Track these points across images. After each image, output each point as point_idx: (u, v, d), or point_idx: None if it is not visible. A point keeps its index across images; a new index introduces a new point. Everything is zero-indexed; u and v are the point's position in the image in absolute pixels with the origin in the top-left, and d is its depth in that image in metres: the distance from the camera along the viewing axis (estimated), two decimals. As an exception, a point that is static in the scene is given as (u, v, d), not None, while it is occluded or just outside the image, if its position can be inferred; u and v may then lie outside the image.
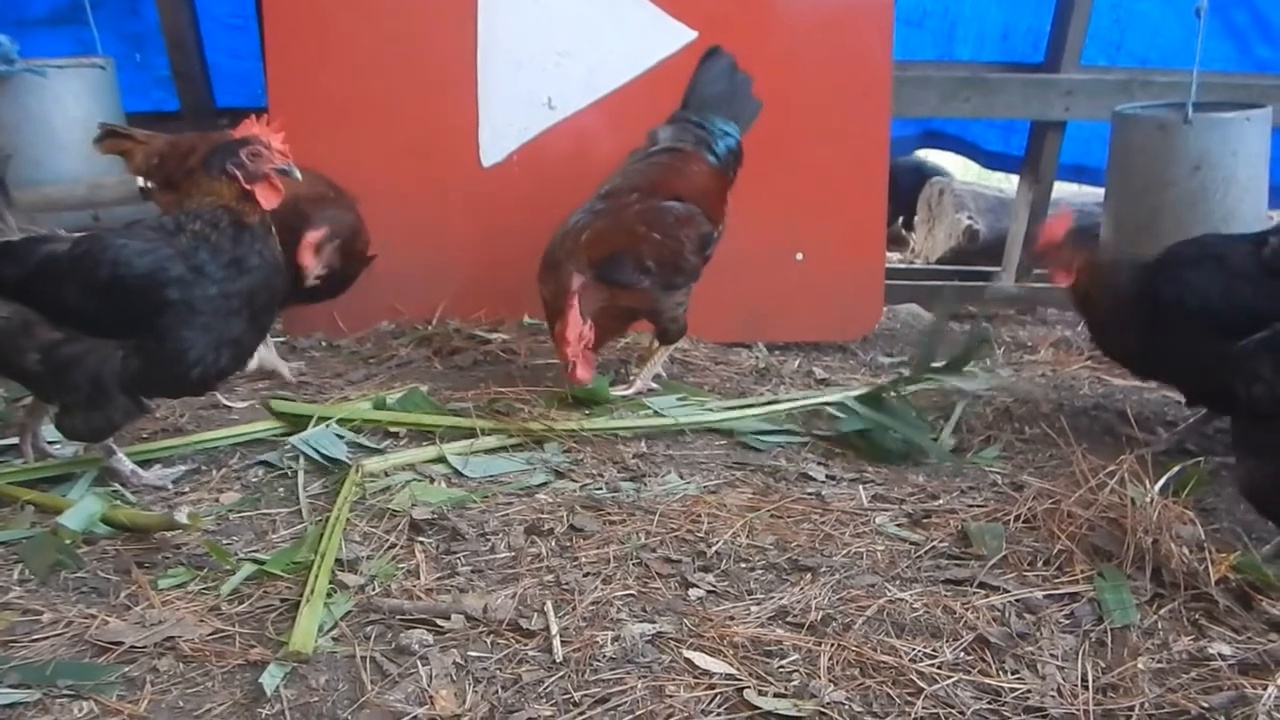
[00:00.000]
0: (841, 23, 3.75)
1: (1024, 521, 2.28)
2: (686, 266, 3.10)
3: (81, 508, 2.29)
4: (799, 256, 3.83)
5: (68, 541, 2.18)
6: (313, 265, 3.03)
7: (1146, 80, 4.57)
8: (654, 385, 3.20)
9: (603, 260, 2.94)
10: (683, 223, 3.07)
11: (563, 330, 2.87)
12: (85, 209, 3.70)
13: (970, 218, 5.89)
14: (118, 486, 2.48)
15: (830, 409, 2.88)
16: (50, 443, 2.64)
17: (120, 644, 1.86)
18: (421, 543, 2.23)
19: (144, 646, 1.86)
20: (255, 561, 2.14)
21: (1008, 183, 6.10)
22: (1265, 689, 1.72)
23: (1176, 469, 2.28)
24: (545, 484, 2.54)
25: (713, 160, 3.19)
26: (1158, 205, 3.50)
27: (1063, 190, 5.55)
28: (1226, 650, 1.85)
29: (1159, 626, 1.94)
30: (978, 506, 2.41)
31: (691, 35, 3.68)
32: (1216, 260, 2.75)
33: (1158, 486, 2.17)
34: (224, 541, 2.24)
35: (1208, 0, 3.50)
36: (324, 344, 3.64)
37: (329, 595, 1.99)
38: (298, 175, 2.47)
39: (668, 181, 3.09)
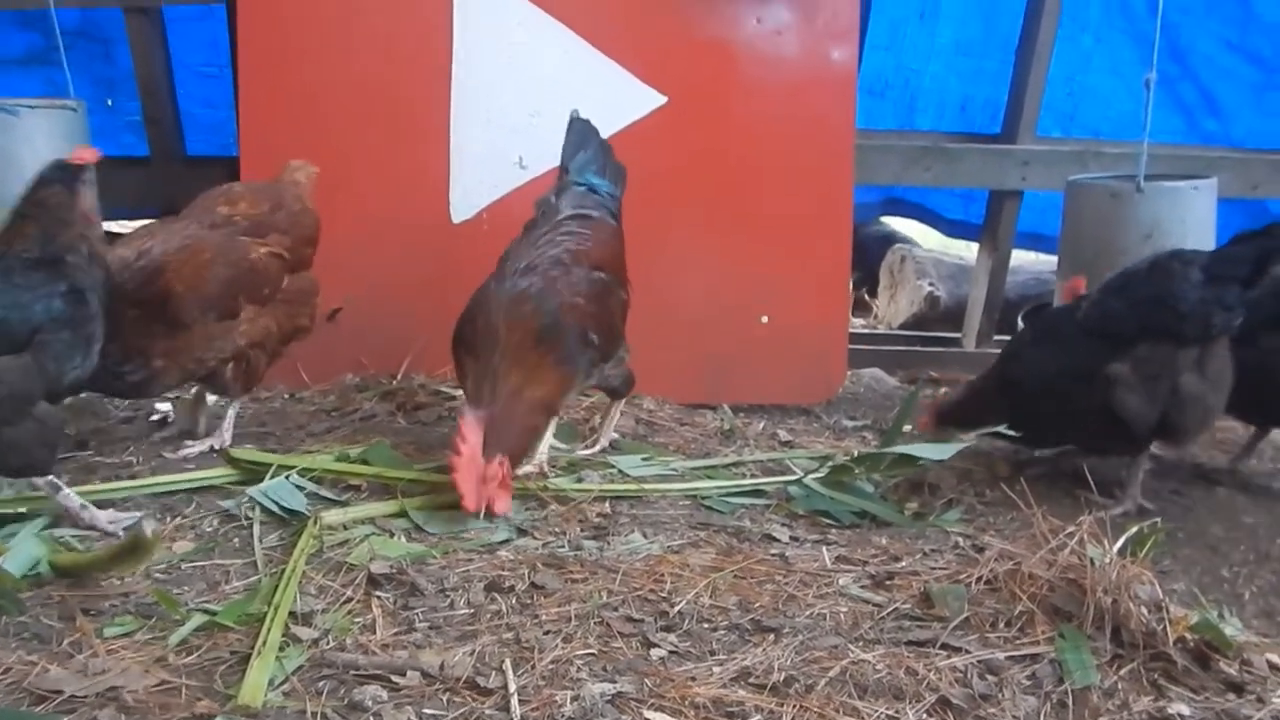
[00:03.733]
0: (806, 91, 3.84)
1: (986, 583, 2.28)
2: (618, 332, 3.02)
3: (21, 550, 2.22)
4: (764, 319, 3.87)
5: (9, 586, 2.11)
6: None
7: (1099, 151, 4.73)
8: (615, 435, 3.20)
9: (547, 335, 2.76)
10: (611, 292, 2.99)
11: (456, 475, 2.53)
12: None
13: (931, 284, 6.00)
14: (64, 532, 2.41)
15: (791, 489, 2.89)
16: None
17: (60, 693, 1.80)
18: (379, 597, 2.19)
19: (85, 696, 1.80)
20: (206, 612, 2.09)
21: (968, 250, 6.22)
22: (1224, 751, 1.73)
23: (1134, 530, 2.30)
24: (507, 541, 2.51)
25: (614, 223, 3.11)
26: (1110, 271, 3.58)
27: (1021, 258, 5.68)
28: (1185, 710, 1.86)
29: (1119, 687, 1.94)
30: (940, 568, 2.41)
31: (661, 100, 3.76)
32: (1047, 333, 3.13)
33: (1116, 547, 2.19)
34: (175, 591, 2.18)
35: (1156, 74, 3.64)
36: (286, 395, 3.60)
37: (281, 648, 1.94)
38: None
39: (588, 252, 2.97)
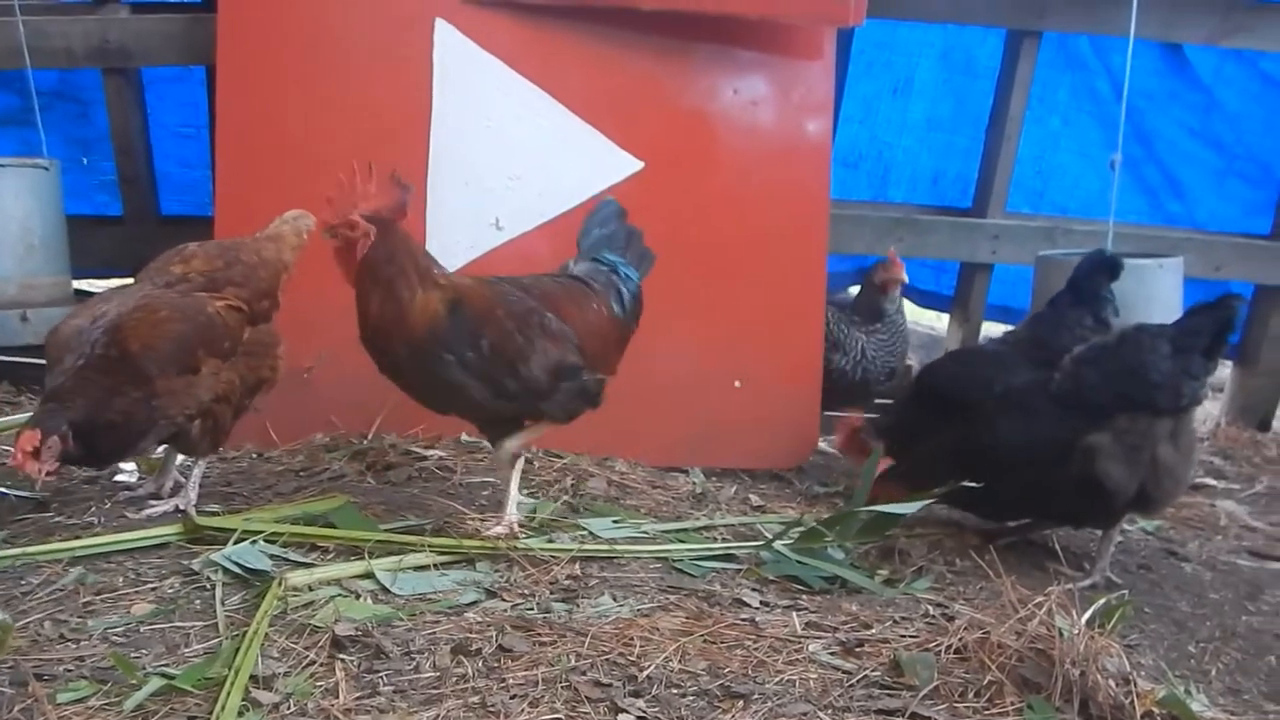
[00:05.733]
0: (782, 161, 3.92)
1: (955, 652, 2.27)
2: (525, 375, 2.78)
3: None
4: (737, 384, 3.89)
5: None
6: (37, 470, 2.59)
7: (1068, 229, 4.84)
8: (526, 455, 3.12)
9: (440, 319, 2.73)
10: (548, 335, 2.85)
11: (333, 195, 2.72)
12: (14, 308, 3.63)
13: (903, 353, 6.05)
14: None
15: (762, 553, 2.88)
16: None
17: (10, 762, 1.75)
18: (343, 660, 2.15)
19: (36, 765, 1.75)
20: (164, 676, 2.03)
21: (939, 321, 6.30)
22: (1194, 826, 1.72)
23: (1101, 602, 2.31)
24: (475, 603, 2.47)
25: (617, 310, 3.04)
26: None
27: (991, 330, 5.75)
28: (1153, 786, 1.85)
29: (1089, 761, 1.93)
30: (910, 636, 2.40)
31: (638, 165, 3.81)
32: (1020, 403, 3.12)
33: (1084, 619, 2.20)
34: (132, 654, 2.13)
35: (1121, 156, 3.75)
36: (255, 455, 3.56)
37: (240, 713, 1.90)
38: None
39: (559, 305, 2.91)
